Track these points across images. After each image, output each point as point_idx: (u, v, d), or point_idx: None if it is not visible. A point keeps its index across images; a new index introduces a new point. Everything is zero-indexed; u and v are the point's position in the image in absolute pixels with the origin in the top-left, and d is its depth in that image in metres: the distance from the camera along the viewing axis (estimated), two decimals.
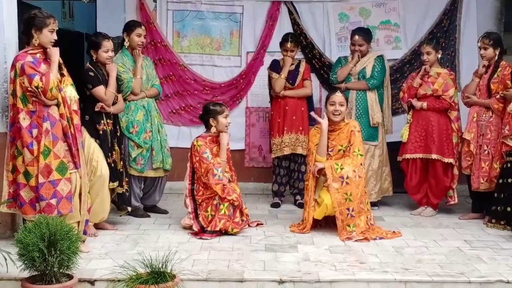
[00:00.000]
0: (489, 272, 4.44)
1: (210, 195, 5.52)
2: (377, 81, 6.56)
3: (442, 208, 6.47)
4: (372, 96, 6.57)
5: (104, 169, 5.37)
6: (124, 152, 5.82)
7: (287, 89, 6.71)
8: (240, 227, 5.54)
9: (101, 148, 5.43)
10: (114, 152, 5.53)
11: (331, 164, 5.50)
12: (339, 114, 5.62)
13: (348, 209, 5.44)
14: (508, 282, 4.29)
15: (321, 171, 5.55)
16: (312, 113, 6.00)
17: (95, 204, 5.31)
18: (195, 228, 5.46)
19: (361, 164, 5.56)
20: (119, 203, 5.67)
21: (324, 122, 5.59)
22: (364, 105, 6.54)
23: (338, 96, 5.67)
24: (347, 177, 5.45)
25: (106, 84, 5.52)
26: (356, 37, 6.56)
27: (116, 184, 5.51)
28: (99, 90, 5.46)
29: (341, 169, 5.48)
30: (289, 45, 6.64)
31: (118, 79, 5.78)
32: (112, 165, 5.48)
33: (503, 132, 5.76)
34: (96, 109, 5.44)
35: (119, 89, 5.75)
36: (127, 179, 5.76)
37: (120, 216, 5.76)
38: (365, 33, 6.64)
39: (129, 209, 5.80)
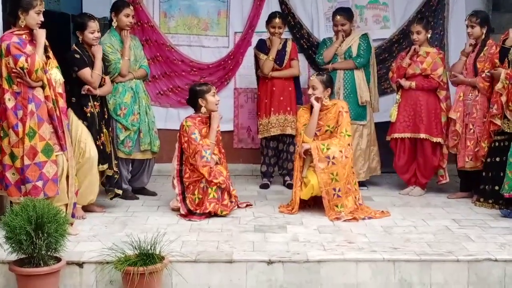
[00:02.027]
0: (477, 251, 4.47)
1: (197, 178, 5.49)
2: (364, 60, 6.55)
3: (430, 187, 6.49)
4: (359, 75, 6.56)
5: (92, 151, 5.34)
6: (112, 135, 5.78)
7: (274, 70, 6.67)
8: (229, 209, 5.53)
9: (89, 130, 5.39)
10: (102, 135, 5.49)
11: (317, 145, 5.50)
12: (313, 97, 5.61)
13: (334, 189, 5.45)
14: (496, 260, 4.31)
15: (307, 152, 5.55)
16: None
17: (83, 186, 5.28)
18: (183, 211, 5.43)
19: (348, 144, 5.56)
20: (108, 185, 5.64)
21: (316, 105, 5.57)
22: (352, 85, 6.53)
23: (311, 80, 5.71)
24: (333, 157, 5.45)
25: (92, 66, 5.45)
26: (338, 17, 6.54)
27: (105, 166, 5.48)
28: (85, 73, 5.40)
29: (328, 149, 5.48)
30: (277, 21, 6.59)
31: (106, 60, 5.73)
32: (101, 147, 5.44)
33: (491, 111, 5.76)
34: (83, 92, 5.39)
35: (106, 71, 5.70)
36: (116, 162, 5.73)
37: (111, 199, 5.73)
38: (346, 12, 6.62)
39: (119, 192, 5.75)
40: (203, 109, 5.61)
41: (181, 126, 5.62)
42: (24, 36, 4.69)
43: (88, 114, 5.41)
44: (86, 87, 5.40)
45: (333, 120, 5.64)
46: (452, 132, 6.16)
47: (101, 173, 5.51)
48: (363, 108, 6.58)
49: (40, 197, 4.45)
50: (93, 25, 5.46)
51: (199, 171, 5.45)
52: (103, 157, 5.46)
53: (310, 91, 5.64)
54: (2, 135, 4.68)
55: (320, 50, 6.69)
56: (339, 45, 6.56)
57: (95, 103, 5.49)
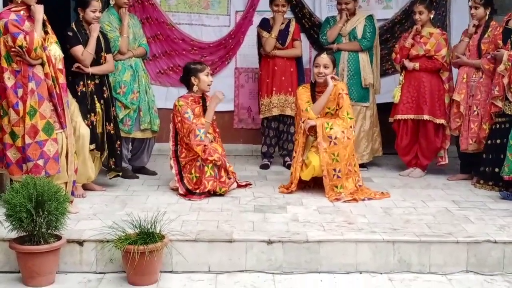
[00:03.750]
0: (476, 232, 4.47)
1: (192, 157, 5.48)
2: (370, 42, 6.51)
3: (430, 169, 6.49)
4: (364, 57, 6.52)
5: (82, 129, 5.28)
6: (114, 114, 5.73)
7: (276, 49, 6.63)
8: (228, 186, 5.54)
9: (79, 108, 5.35)
10: (93, 114, 5.43)
11: (322, 122, 5.48)
12: (323, 76, 5.58)
13: (334, 169, 5.44)
14: (495, 242, 4.31)
15: (311, 129, 5.53)
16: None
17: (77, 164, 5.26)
18: (181, 191, 5.43)
19: (351, 126, 5.55)
20: (113, 166, 5.61)
21: (331, 84, 5.54)
22: (356, 66, 6.49)
23: (323, 58, 5.63)
24: (335, 138, 5.45)
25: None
26: None
27: (92, 146, 5.40)
28: (76, 50, 5.37)
29: (331, 128, 5.47)
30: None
31: (105, 39, 5.69)
32: (90, 127, 5.39)
33: (493, 93, 5.74)
34: (72, 69, 5.35)
35: (109, 49, 5.66)
36: (119, 142, 5.70)
37: (111, 179, 5.73)
38: None
39: (119, 171, 5.74)
40: (195, 88, 5.59)
41: (174, 106, 5.60)
42: (22, 12, 4.64)
43: (79, 93, 5.37)
44: (76, 64, 5.37)
45: (333, 102, 5.61)
46: (454, 114, 6.13)
47: (101, 153, 5.50)
48: (366, 90, 6.55)
49: (41, 175, 4.44)
50: (96, 4, 5.43)
51: (193, 150, 5.44)
52: (91, 137, 5.38)
53: (321, 69, 5.57)
54: (1, 114, 4.66)
55: (323, 30, 6.63)
56: (343, 25, 6.51)
57: (89, 82, 5.44)
